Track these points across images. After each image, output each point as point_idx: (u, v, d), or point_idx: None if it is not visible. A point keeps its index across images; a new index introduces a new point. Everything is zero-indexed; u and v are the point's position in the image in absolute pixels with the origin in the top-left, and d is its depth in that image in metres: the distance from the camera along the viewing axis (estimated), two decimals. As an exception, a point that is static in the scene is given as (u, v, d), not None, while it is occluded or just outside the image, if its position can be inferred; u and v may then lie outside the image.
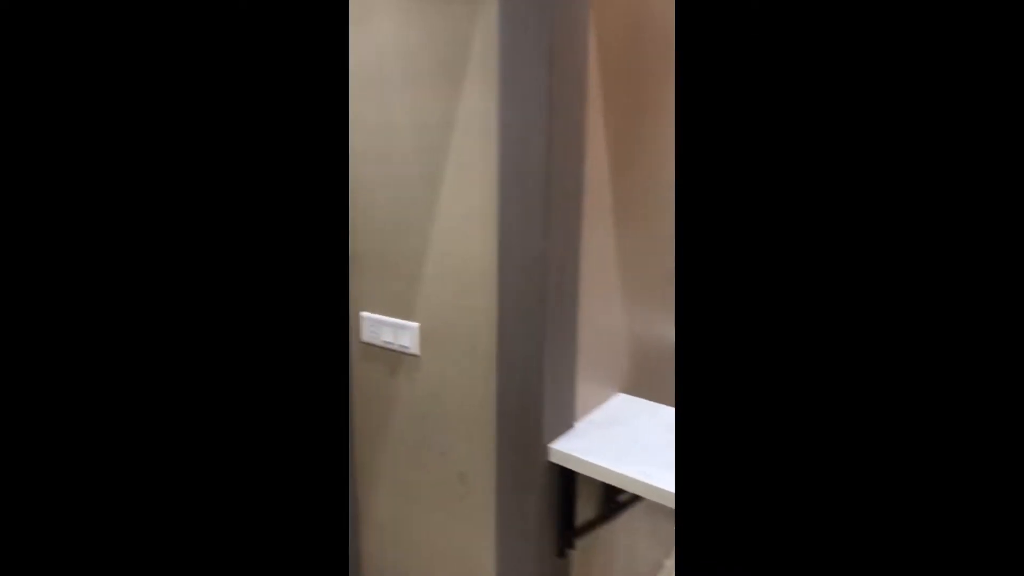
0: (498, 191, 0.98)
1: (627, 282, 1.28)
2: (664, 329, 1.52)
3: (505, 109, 0.94)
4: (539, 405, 1.01)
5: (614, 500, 1.18)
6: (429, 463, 1.20)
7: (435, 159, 1.05)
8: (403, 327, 1.17)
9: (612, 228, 1.18)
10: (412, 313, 1.16)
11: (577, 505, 1.12)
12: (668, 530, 1.69)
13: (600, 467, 1.00)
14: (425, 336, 1.14)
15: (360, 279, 1.24)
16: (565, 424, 1.10)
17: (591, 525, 1.14)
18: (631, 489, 0.97)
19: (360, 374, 1.30)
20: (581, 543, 1.17)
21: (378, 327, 1.22)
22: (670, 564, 1.70)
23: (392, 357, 1.22)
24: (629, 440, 1.08)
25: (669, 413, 1.20)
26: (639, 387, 1.37)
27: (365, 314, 1.24)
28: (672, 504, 0.92)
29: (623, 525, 1.36)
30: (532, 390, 1.02)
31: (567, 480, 1.10)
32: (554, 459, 1.05)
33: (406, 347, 1.17)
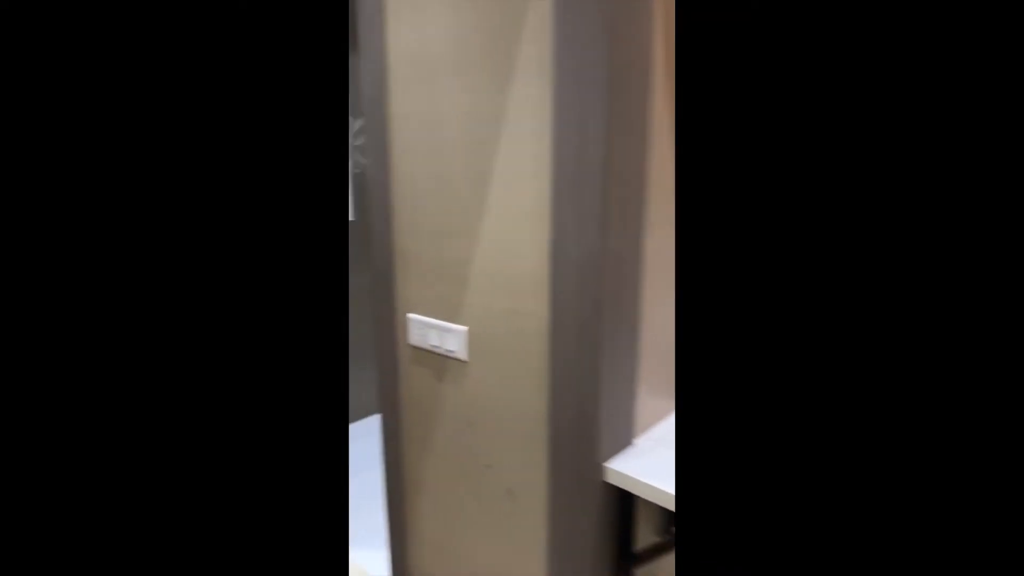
0: (551, 186, 0.89)
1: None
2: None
3: (560, 94, 0.85)
4: (595, 420, 0.92)
5: (677, 525, 1.08)
6: (475, 475, 1.14)
7: (485, 152, 0.97)
8: (450, 330, 1.10)
9: (678, 226, 1.07)
10: (459, 316, 1.09)
11: (636, 531, 1.02)
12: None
13: (661, 491, 0.90)
14: (473, 341, 1.07)
15: (407, 280, 1.19)
16: (623, 441, 1.01)
17: (651, 553, 1.04)
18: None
19: (407, 378, 1.24)
20: (640, 572, 1.07)
21: (425, 330, 1.16)
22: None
23: (439, 361, 1.16)
24: (695, 462, 0.97)
25: (741, 431, 1.08)
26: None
27: (413, 316, 1.18)
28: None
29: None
30: (587, 403, 0.92)
31: (625, 503, 1.00)
32: (611, 480, 0.95)
33: (453, 351, 1.11)
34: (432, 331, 1.14)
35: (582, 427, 0.94)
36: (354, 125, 2.56)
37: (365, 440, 2.65)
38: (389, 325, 1.25)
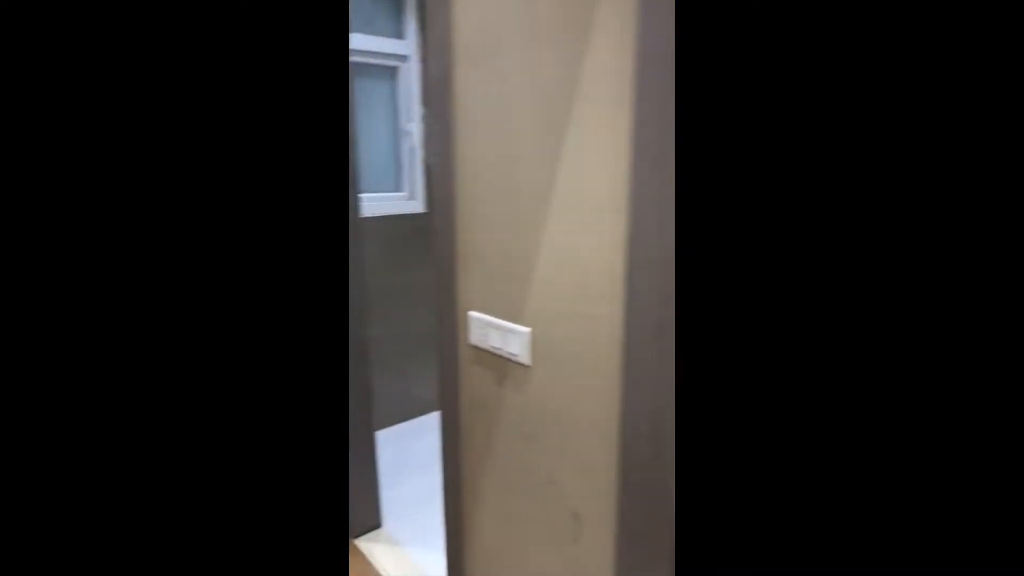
0: (630, 174, 0.78)
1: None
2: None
3: (643, 67, 0.73)
4: (673, 440, 0.81)
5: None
6: (537, 491, 1.04)
7: (555, 134, 0.87)
8: (512, 331, 1.01)
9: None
10: (523, 317, 1.00)
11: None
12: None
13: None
14: (537, 344, 0.98)
15: (469, 275, 1.11)
16: (705, 465, 0.88)
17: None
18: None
19: (467, 378, 1.17)
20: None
21: (486, 329, 1.07)
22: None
23: (499, 364, 1.07)
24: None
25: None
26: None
27: (473, 314, 1.10)
28: None
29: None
30: (665, 421, 0.81)
31: (705, 535, 0.88)
32: (690, 510, 0.83)
33: (515, 355, 1.02)
34: (493, 331, 1.06)
35: (659, 448, 0.82)
36: (420, 113, 2.52)
37: (432, 434, 2.63)
38: (450, 322, 1.18)
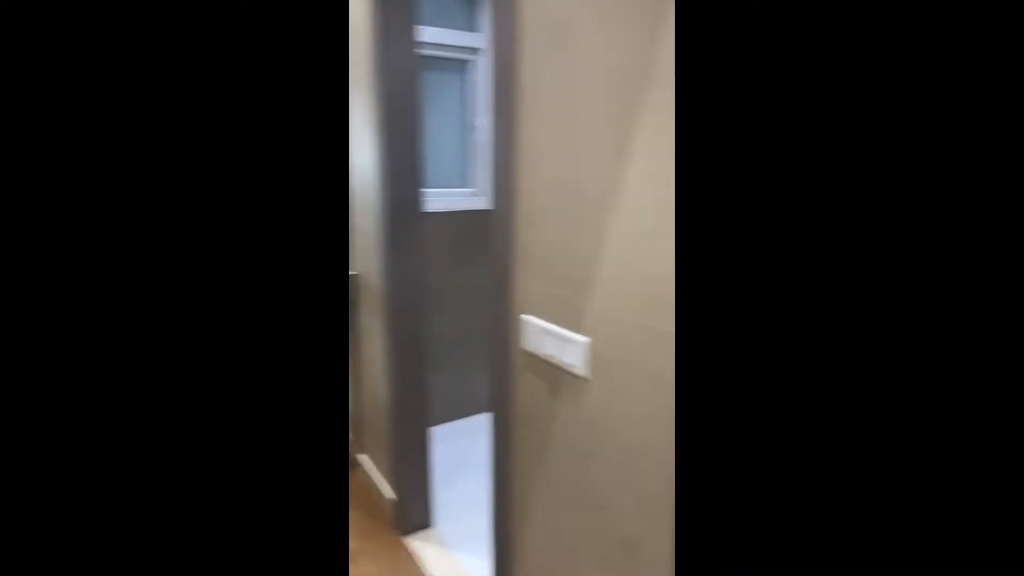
0: (709, 168, 0.68)
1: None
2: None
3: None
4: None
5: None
6: (587, 515, 0.96)
7: (624, 122, 0.78)
8: (569, 340, 0.93)
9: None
10: (582, 325, 0.92)
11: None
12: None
13: None
14: (596, 356, 0.89)
15: (526, 276, 1.04)
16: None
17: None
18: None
19: (519, 385, 1.10)
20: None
21: (541, 335, 1.00)
22: None
23: (554, 374, 1.00)
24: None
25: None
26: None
27: (527, 318, 1.03)
28: None
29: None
30: (736, 453, 0.71)
31: None
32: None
33: (571, 365, 0.94)
34: (548, 338, 0.98)
35: (727, 483, 0.72)
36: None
37: (484, 435, 2.59)
38: (503, 325, 1.12)
